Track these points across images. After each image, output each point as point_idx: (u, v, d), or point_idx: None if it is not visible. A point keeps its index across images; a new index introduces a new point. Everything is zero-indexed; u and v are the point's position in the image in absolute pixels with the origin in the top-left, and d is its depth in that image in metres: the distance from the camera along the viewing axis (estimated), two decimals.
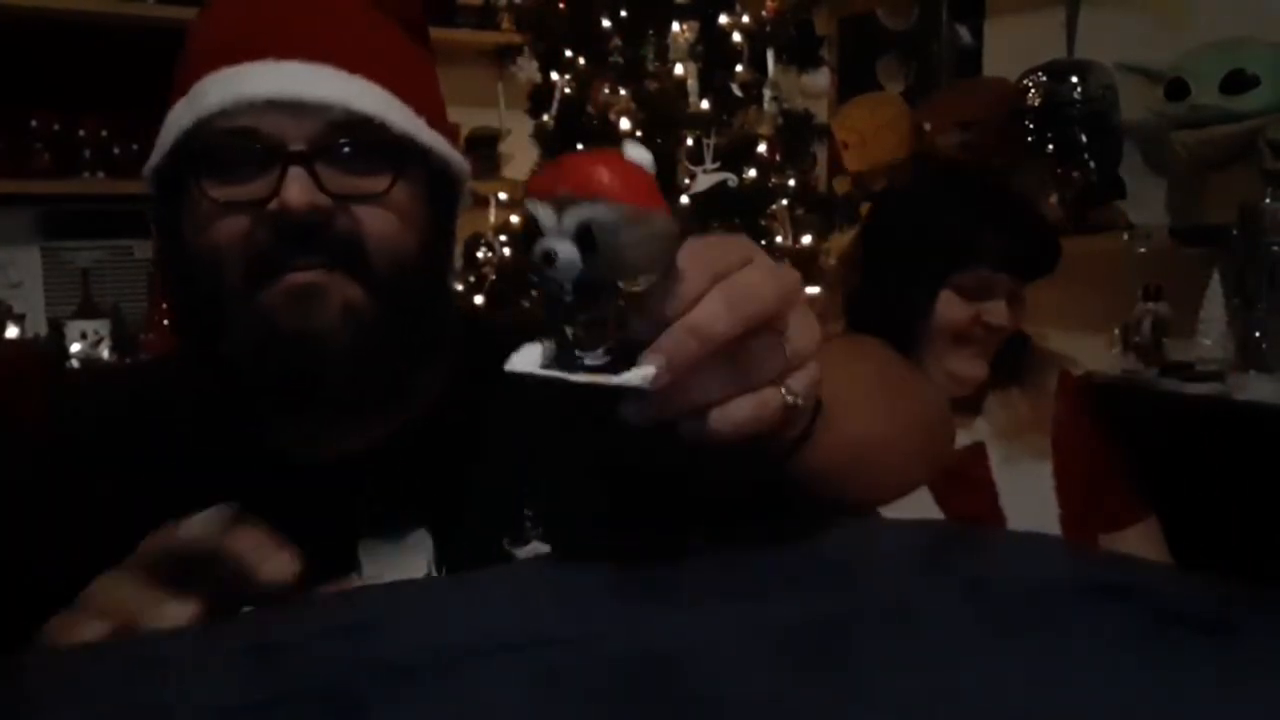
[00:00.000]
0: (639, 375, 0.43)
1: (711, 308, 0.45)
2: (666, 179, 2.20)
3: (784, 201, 2.44)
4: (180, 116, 0.65)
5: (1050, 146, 2.29)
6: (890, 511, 0.63)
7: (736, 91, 2.40)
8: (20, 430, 0.80)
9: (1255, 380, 1.75)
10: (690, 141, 2.32)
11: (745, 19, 2.40)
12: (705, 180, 2.26)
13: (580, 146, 2.29)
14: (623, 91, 2.34)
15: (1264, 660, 0.38)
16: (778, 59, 2.46)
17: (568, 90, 2.42)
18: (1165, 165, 2.23)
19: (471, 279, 2.77)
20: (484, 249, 2.82)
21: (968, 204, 1.42)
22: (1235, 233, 1.87)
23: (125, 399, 0.76)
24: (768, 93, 2.45)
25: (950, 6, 2.92)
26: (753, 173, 2.39)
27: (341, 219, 0.64)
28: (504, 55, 3.04)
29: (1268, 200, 1.83)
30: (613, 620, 0.43)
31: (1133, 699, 0.35)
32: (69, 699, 0.40)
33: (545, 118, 2.44)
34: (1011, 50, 2.58)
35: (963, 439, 1.44)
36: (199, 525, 0.50)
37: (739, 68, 2.40)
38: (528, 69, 2.53)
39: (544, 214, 0.43)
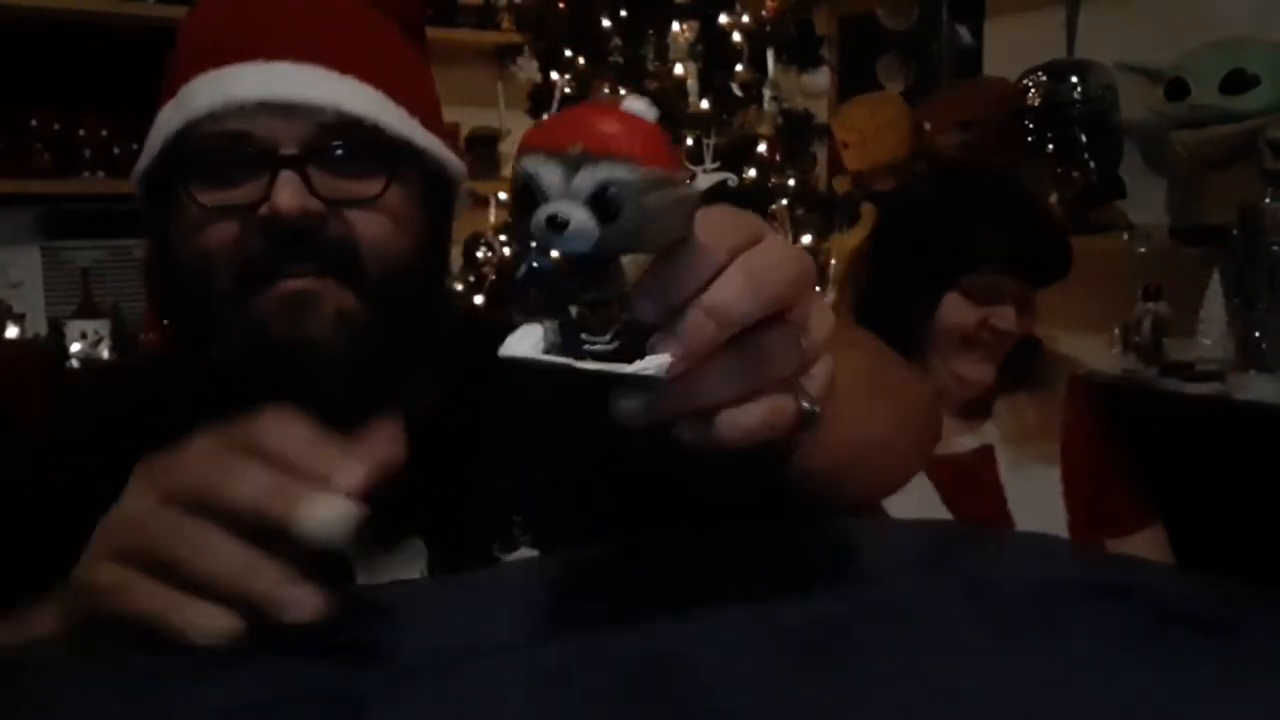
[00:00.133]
0: (655, 363, 0.37)
1: (732, 286, 0.38)
2: None
3: (784, 201, 2.44)
4: (168, 119, 0.64)
5: (1050, 146, 2.29)
6: (897, 512, 0.63)
7: (736, 91, 2.40)
8: (20, 430, 0.79)
9: (1255, 380, 1.75)
10: (690, 141, 2.32)
11: (745, 19, 2.41)
12: (705, 180, 2.24)
13: None
14: (623, 91, 2.34)
15: (1264, 660, 0.38)
16: (778, 59, 2.46)
17: (568, 90, 2.42)
18: (1165, 165, 2.23)
19: (471, 279, 2.77)
20: (484, 249, 2.82)
21: (977, 207, 1.41)
22: (1235, 233, 1.87)
23: (125, 398, 0.75)
24: (768, 92, 2.45)
25: (950, 6, 2.92)
26: (753, 172, 2.40)
27: (334, 224, 0.63)
28: (504, 55, 3.04)
29: (1268, 200, 1.83)
30: (612, 620, 0.43)
31: (1133, 699, 0.35)
32: (69, 699, 0.40)
33: (545, 118, 2.44)
34: (1011, 50, 2.58)
35: (971, 442, 1.44)
36: (330, 516, 0.42)
37: (739, 67, 2.40)
38: (528, 69, 2.53)
39: (548, 173, 0.36)
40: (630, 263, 0.38)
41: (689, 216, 0.38)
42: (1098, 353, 2.05)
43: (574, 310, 0.38)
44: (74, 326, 2.55)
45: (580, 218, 0.35)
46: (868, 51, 3.09)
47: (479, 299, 2.67)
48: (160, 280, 0.71)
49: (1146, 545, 1.43)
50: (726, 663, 0.39)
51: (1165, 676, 0.37)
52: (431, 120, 0.69)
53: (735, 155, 2.38)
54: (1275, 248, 1.80)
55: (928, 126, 2.55)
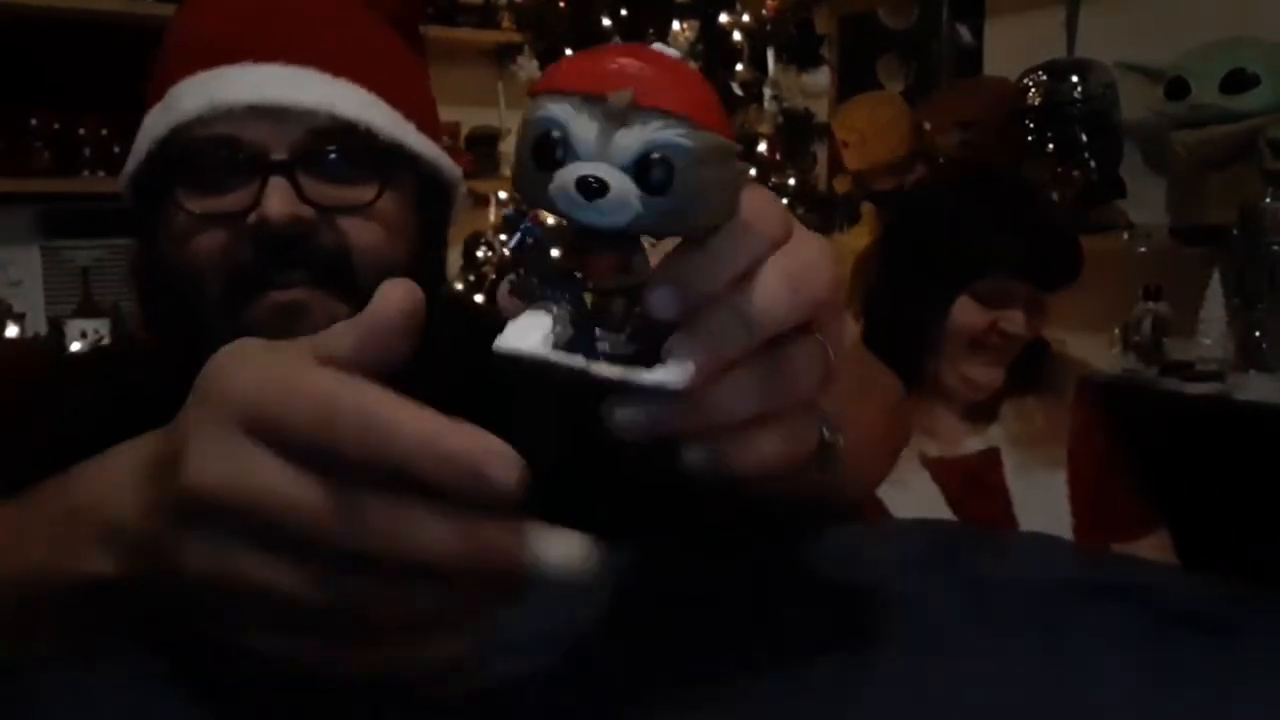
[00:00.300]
0: (676, 373, 0.30)
1: (770, 288, 0.32)
2: None
3: (784, 201, 2.44)
4: (155, 124, 0.63)
5: (1050, 146, 2.29)
6: (900, 513, 0.63)
7: (737, 90, 2.40)
8: (20, 430, 0.79)
9: (1255, 380, 1.75)
10: None
11: (745, 18, 2.41)
12: None
13: None
14: None
15: (1264, 660, 0.38)
16: (778, 58, 2.46)
17: None
18: (1165, 165, 2.22)
19: (471, 278, 2.77)
20: (484, 248, 2.82)
21: (990, 211, 1.40)
22: (1235, 232, 1.87)
23: (122, 392, 0.75)
24: (768, 92, 2.45)
25: (950, 6, 2.92)
26: (753, 172, 2.40)
27: (326, 232, 0.62)
28: (504, 54, 3.04)
29: (1268, 200, 1.83)
30: (612, 620, 0.43)
31: (1133, 699, 0.35)
32: (69, 699, 0.40)
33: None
34: (1011, 50, 2.58)
35: (977, 445, 1.44)
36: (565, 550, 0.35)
37: (739, 67, 2.40)
38: (528, 68, 2.53)
39: (582, 127, 0.28)
40: (651, 247, 0.31)
41: (737, 199, 0.31)
42: (1098, 353, 2.05)
43: (588, 299, 0.31)
44: (74, 326, 2.55)
45: (622, 184, 0.28)
46: (868, 51, 3.09)
47: (479, 299, 2.67)
48: (148, 286, 0.69)
49: (1152, 551, 1.42)
50: (727, 662, 0.39)
51: (1165, 676, 0.37)
52: (427, 123, 0.68)
53: None
54: (1275, 248, 1.80)
55: (928, 126, 2.55)
